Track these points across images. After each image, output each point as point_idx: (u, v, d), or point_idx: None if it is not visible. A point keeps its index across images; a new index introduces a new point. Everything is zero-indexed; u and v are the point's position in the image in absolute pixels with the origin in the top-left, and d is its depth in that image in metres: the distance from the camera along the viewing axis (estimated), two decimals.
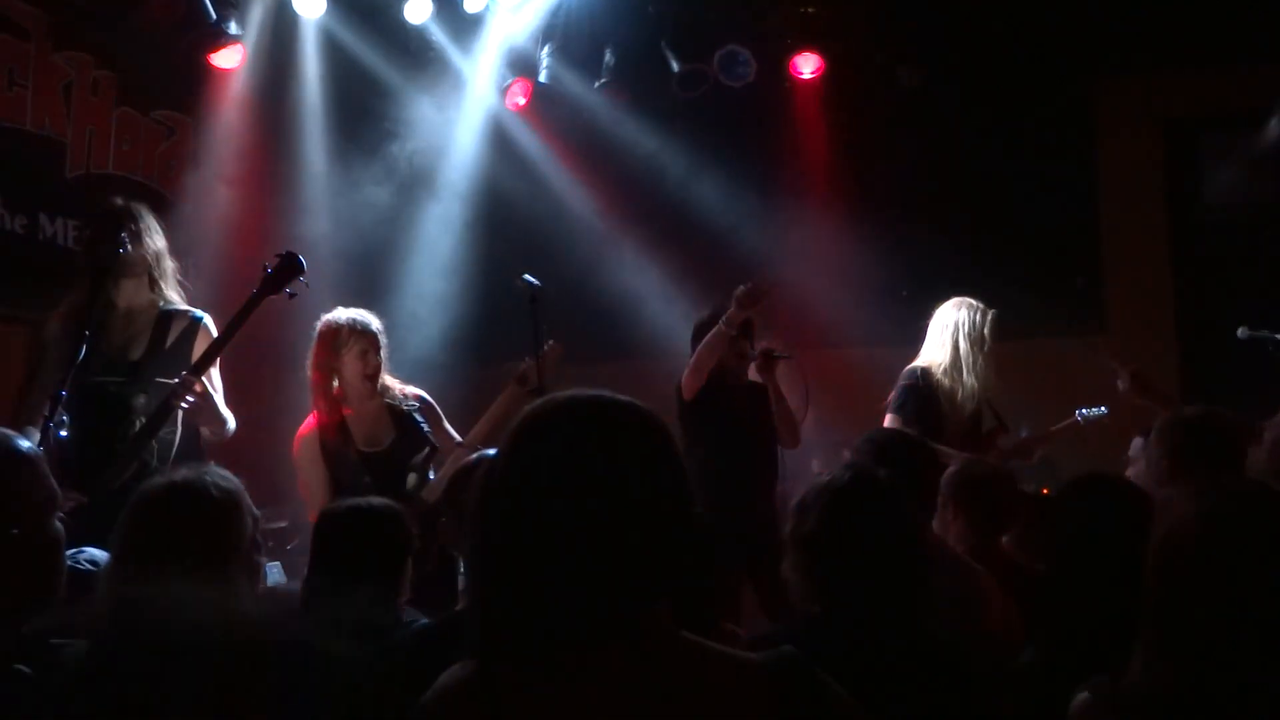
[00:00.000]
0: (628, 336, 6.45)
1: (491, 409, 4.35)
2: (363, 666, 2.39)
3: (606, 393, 1.37)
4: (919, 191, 6.43)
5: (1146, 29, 5.92)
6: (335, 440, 4.13)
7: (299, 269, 3.62)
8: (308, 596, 2.73)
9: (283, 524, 5.27)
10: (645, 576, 1.27)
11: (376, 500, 2.92)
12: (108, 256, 3.55)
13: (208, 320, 3.74)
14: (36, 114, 5.35)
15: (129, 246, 3.59)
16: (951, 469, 3.09)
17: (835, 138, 6.50)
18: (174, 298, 3.75)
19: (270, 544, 5.36)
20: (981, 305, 4.50)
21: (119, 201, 3.78)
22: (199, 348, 3.63)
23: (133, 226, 3.64)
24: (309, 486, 4.15)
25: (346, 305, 4.34)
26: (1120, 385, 4.18)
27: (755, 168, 6.46)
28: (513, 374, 4.41)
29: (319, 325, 4.19)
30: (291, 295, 3.66)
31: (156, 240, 3.72)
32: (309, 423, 4.22)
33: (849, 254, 6.34)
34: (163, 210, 5.61)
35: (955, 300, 4.54)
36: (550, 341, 4.40)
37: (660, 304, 6.38)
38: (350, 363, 4.13)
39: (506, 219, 6.60)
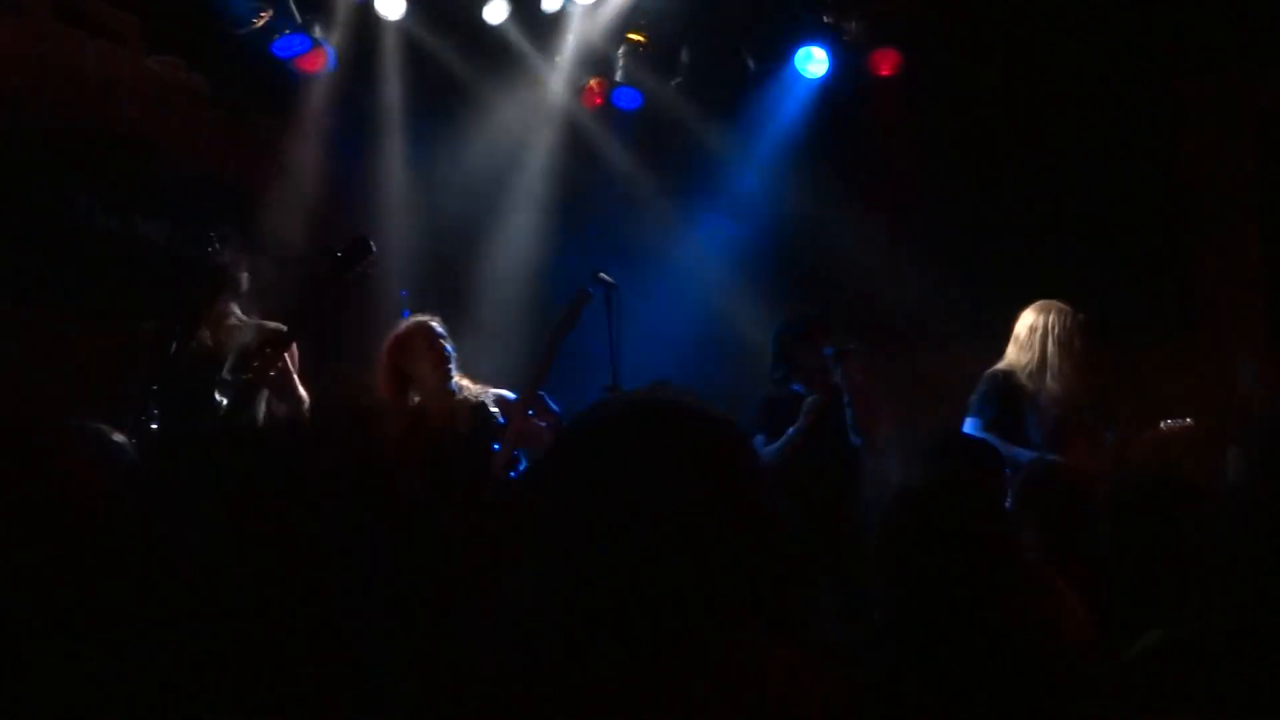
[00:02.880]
0: (704, 335, 6.44)
1: (535, 370, 4.34)
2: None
3: (672, 396, 1.29)
4: (1002, 189, 6.31)
5: (1235, 20, 5.75)
6: (419, 442, 4.22)
7: (367, 250, 3.73)
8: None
9: None
10: (718, 588, 1.19)
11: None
12: (205, 269, 3.72)
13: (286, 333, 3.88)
14: (131, 116, 5.54)
15: (224, 258, 3.77)
16: (1024, 472, 3.04)
17: (915, 135, 6.38)
18: (250, 310, 3.91)
19: None
20: (1070, 309, 4.38)
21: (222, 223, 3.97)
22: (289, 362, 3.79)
23: (228, 243, 3.82)
24: None
25: (426, 303, 4.46)
26: None
27: (832, 166, 6.38)
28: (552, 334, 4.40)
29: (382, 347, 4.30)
30: (364, 276, 3.79)
31: (245, 257, 3.89)
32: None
33: (927, 253, 6.26)
34: (250, 211, 5.80)
35: (1043, 302, 4.42)
36: (583, 289, 4.37)
37: (737, 303, 6.37)
38: (420, 356, 4.22)
39: (583, 217, 6.63)
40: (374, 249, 3.76)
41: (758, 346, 6.22)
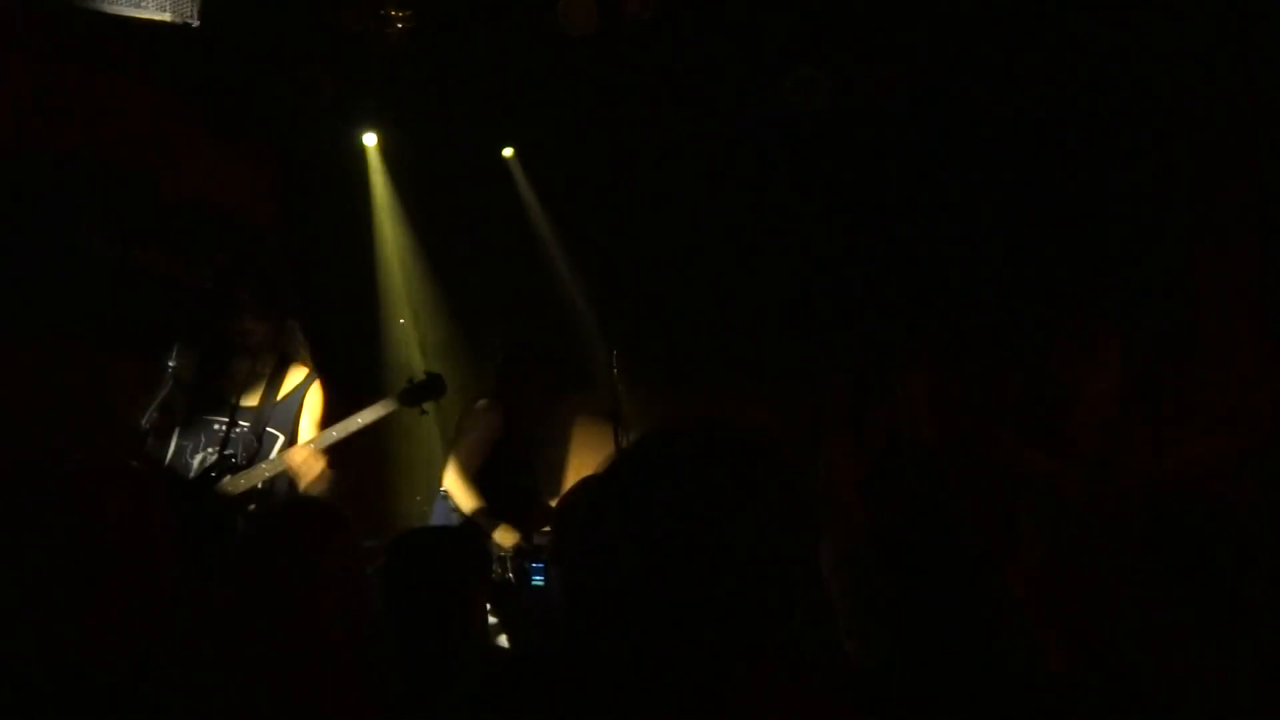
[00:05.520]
0: (707, 362, 6.40)
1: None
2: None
3: (714, 424, 1.26)
4: (1003, 216, 6.28)
5: (1233, 46, 5.77)
6: (516, 437, 4.70)
7: (440, 391, 3.97)
8: (389, 623, 2.77)
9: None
10: (749, 631, 1.17)
11: (452, 528, 3.02)
12: (239, 301, 3.73)
13: (318, 384, 3.91)
14: (129, 145, 5.53)
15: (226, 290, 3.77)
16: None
17: (918, 164, 6.35)
18: (292, 351, 3.93)
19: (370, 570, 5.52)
20: None
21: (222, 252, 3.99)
22: (308, 405, 3.83)
23: (264, 278, 3.82)
24: (473, 448, 4.56)
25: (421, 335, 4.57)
26: None
27: (830, 192, 6.37)
28: None
29: (532, 346, 4.87)
30: (423, 413, 4.04)
31: (286, 292, 3.90)
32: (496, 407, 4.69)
33: (936, 278, 6.27)
34: (247, 237, 5.81)
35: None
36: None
37: (740, 330, 6.36)
38: (542, 385, 4.82)
39: (584, 248, 6.64)
40: (445, 390, 4.01)
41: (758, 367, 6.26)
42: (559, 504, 3.69)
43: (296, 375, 3.86)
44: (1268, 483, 3.12)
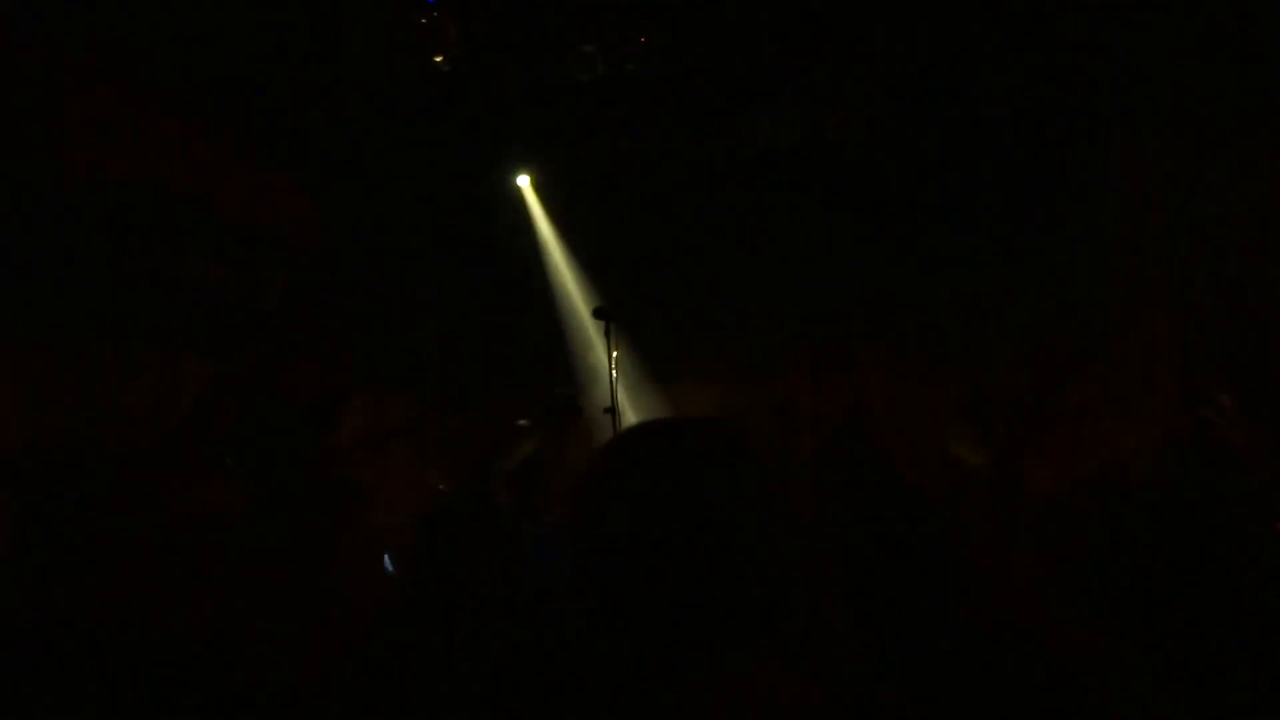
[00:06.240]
0: (701, 361, 6.73)
1: None
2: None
3: (695, 417, 1.32)
4: (955, 238, 6.53)
5: (1154, 83, 6.01)
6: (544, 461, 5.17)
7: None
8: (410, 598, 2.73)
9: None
10: (735, 608, 1.19)
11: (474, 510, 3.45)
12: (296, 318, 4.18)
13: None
14: (184, 173, 5.73)
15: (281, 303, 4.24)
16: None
17: (886, 184, 6.54)
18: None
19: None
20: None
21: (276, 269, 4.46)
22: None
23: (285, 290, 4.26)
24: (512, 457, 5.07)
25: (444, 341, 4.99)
26: None
27: (809, 210, 6.62)
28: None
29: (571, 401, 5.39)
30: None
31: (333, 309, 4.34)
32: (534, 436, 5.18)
33: (899, 289, 6.55)
34: (294, 263, 6.03)
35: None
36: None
37: (732, 331, 6.66)
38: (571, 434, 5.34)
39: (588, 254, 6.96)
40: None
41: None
42: (570, 487, 4.19)
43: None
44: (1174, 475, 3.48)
